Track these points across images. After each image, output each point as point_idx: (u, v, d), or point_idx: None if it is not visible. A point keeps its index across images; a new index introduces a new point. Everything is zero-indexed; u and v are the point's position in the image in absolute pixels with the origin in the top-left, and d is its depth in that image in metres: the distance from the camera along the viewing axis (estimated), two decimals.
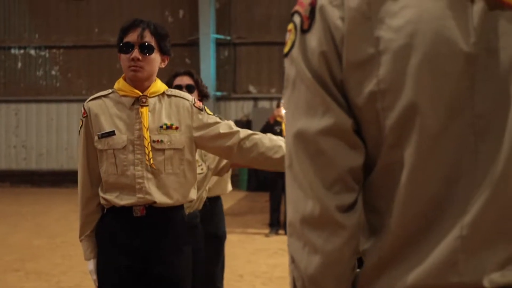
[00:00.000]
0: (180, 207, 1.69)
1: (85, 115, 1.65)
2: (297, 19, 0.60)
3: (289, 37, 0.61)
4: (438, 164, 0.55)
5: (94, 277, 1.68)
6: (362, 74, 0.56)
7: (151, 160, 1.59)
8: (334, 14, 0.56)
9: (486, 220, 0.54)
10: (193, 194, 1.71)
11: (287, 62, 0.61)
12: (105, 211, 1.67)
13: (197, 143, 1.69)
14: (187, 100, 1.70)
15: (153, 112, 1.65)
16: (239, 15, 10.66)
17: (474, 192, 0.54)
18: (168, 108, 1.66)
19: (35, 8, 10.85)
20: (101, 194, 1.64)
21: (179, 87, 2.14)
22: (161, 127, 1.63)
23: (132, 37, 1.61)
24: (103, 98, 1.67)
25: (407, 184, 0.55)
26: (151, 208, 1.62)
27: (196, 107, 1.68)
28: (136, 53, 1.58)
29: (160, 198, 1.61)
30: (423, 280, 0.55)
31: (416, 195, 0.56)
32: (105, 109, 1.65)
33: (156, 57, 1.64)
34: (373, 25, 0.55)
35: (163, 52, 1.67)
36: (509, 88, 0.53)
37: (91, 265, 1.68)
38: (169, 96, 1.69)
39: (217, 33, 10.32)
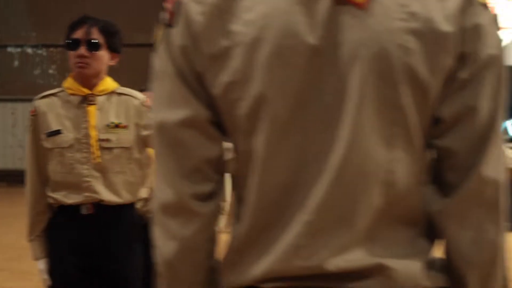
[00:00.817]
0: (130, 205, 1.69)
1: (34, 113, 1.65)
2: (165, 15, 0.62)
3: (158, 33, 0.64)
4: (288, 152, 0.58)
5: (45, 276, 1.69)
6: (217, 66, 0.58)
7: (97, 158, 1.59)
8: (195, 10, 0.58)
9: (329, 205, 0.56)
10: (143, 193, 1.71)
11: (155, 57, 0.64)
12: (54, 210, 1.67)
13: (146, 142, 1.68)
14: (137, 98, 1.70)
15: (101, 110, 1.64)
16: None
17: (319, 179, 0.56)
18: (117, 106, 1.66)
19: (33, 6, 10.89)
20: (49, 193, 1.64)
21: None
22: (108, 125, 1.62)
23: (79, 33, 1.62)
24: (52, 97, 1.68)
25: (259, 172, 0.58)
26: (100, 206, 1.62)
27: (145, 106, 1.68)
28: (82, 49, 1.58)
29: (108, 196, 1.62)
30: (272, 266, 0.57)
31: (268, 182, 0.58)
32: (53, 107, 1.65)
33: (104, 54, 1.63)
34: (228, 19, 0.57)
35: (112, 50, 1.66)
36: (347, 80, 0.56)
37: (41, 264, 1.69)
38: (119, 94, 1.68)
39: None
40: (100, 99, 1.65)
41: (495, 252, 0.63)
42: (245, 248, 0.60)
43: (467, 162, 0.60)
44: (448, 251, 0.63)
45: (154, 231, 0.64)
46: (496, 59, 0.60)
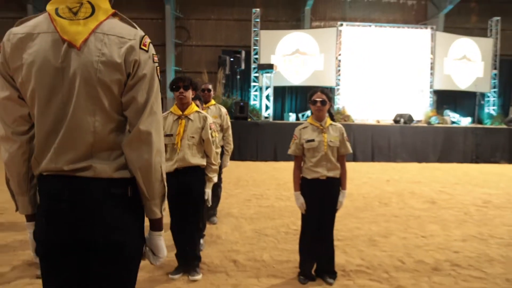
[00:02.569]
0: None
1: None
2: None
3: None
4: (48, 116, 1.34)
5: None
6: (16, 73, 1.35)
7: None
8: (7, 46, 1.34)
9: (65, 140, 1.34)
10: None
11: None
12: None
13: None
14: None
15: None
16: None
17: (62, 129, 1.33)
18: None
19: None
20: None
21: None
22: None
23: None
24: None
25: (36, 124, 1.36)
26: None
27: None
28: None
29: None
30: (45, 165, 1.35)
31: (41, 129, 1.35)
32: None
33: None
34: (22, 51, 1.33)
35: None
36: (73, 85, 1.32)
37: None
38: None
39: None
40: None
41: (149, 165, 1.38)
42: (37, 154, 1.37)
43: (134, 122, 1.36)
44: (128, 162, 1.38)
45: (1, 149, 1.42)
46: (145, 75, 1.37)
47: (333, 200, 3.38)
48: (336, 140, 3.37)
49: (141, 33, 1.39)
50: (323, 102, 3.33)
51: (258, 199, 6.57)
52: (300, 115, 14.40)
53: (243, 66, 13.09)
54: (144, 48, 1.36)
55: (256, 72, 14.54)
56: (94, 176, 1.33)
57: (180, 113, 3.43)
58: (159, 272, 3.57)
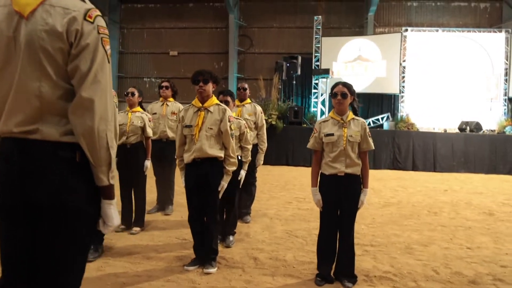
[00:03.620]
0: None
1: None
2: None
3: None
4: (5, 80, 1.43)
5: None
6: None
7: None
8: None
9: (14, 104, 1.41)
10: None
11: None
12: None
13: None
14: None
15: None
16: None
17: (11, 92, 1.42)
18: None
19: None
20: None
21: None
22: None
23: None
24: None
25: None
26: None
27: None
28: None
29: None
30: (0, 128, 1.43)
31: (1, 92, 1.44)
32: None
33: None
34: None
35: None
36: (21, 51, 1.40)
37: None
38: None
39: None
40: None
41: (91, 131, 1.40)
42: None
43: (78, 90, 1.40)
44: (73, 129, 1.41)
45: None
46: (88, 44, 1.41)
47: (353, 199, 3.18)
48: (357, 135, 3.18)
49: (89, 6, 1.45)
50: (344, 95, 3.18)
51: (299, 202, 6.42)
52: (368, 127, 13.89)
53: (299, 72, 12.99)
54: (89, 19, 1.41)
55: (316, 80, 14.40)
56: (41, 139, 1.38)
57: (200, 105, 3.46)
58: (177, 263, 3.61)
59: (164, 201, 5.55)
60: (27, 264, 1.43)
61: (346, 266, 3.27)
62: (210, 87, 3.44)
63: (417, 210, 6.04)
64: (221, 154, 3.46)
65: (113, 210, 1.50)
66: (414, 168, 10.72)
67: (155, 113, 5.40)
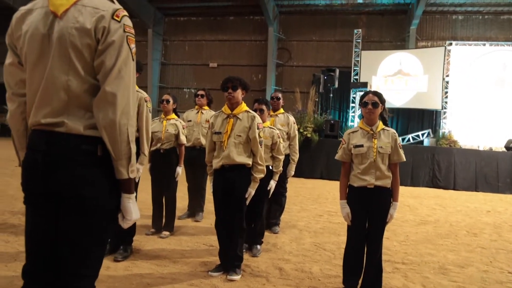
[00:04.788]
0: None
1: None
2: None
3: None
4: (36, 75, 1.54)
5: None
6: (18, 42, 1.59)
7: None
8: (14, 19, 1.61)
9: (43, 97, 1.51)
10: None
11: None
12: None
13: None
14: None
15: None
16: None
17: (41, 86, 1.52)
18: None
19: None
20: None
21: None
22: None
23: None
24: None
25: (28, 82, 1.57)
26: None
27: None
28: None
29: None
30: (31, 119, 1.54)
31: (31, 87, 1.55)
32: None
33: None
34: (22, 23, 1.58)
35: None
36: (53, 47, 1.51)
37: None
38: None
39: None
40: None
41: (113, 124, 1.46)
42: (28, 112, 1.56)
43: (102, 84, 1.48)
44: (96, 122, 1.48)
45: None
46: (114, 41, 1.49)
47: (382, 212, 3.08)
48: (388, 146, 3.10)
49: (117, 6, 1.54)
50: (374, 105, 3.10)
51: (330, 216, 6.30)
52: (400, 138, 13.52)
53: (336, 85, 12.85)
54: (116, 18, 1.51)
55: (354, 94, 14.20)
56: (66, 132, 1.46)
57: (229, 112, 3.50)
58: (202, 268, 3.62)
59: (195, 208, 5.61)
60: (49, 252, 1.49)
61: (373, 281, 3.16)
62: (239, 94, 3.46)
63: (455, 230, 5.76)
64: (249, 161, 3.47)
65: (131, 204, 1.54)
66: (455, 187, 10.26)
67: (190, 121, 5.50)
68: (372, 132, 3.13)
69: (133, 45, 1.54)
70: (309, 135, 10.88)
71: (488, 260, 4.38)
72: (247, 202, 3.50)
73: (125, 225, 1.56)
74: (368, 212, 3.09)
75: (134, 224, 3.91)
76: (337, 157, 3.27)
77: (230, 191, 3.44)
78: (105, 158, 1.48)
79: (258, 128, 3.46)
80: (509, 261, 4.37)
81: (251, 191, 3.49)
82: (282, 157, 4.37)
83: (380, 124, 3.17)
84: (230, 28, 18.11)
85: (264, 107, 4.19)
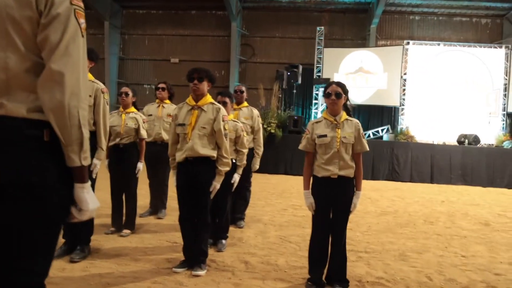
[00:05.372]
0: None
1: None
2: None
3: None
4: None
5: None
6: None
7: None
8: None
9: None
10: None
11: None
12: None
13: None
14: None
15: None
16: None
17: None
18: None
19: None
20: None
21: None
22: None
23: None
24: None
25: None
26: None
27: None
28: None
29: None
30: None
31: None
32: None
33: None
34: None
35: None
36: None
37: None
38: None
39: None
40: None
41: (61, 106, 1.29)
42: None
43: (47, 62, 1.30)
44: (41, 104, 1.30)
45: None
46: (59, 14, 1.30)
47: (346, 202, 3.12)
48: (351, 136, 3.13)
49: None
50: (338, 95, 3.13)
51: (295, 209, 6.34)
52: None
53: (299, 81, 12.99)
54: None
55: (317, 90, 14.39)
56: (5, 114, 1.29)
57: (194, 103, 3.42)
58: (165, 265, 3.53)
59: (157, 205, 5.47)
60: None
61: (338, 270, 3.19)
62: (205, 85, 3.39)
63: (413, 219, 5.96)
64: (213, 154, 3.41)
65: (86, 194, 1.40)
66: (412, 179, 10.64)
67: (150, 115, 5.36)
68: (335, 122, 3.15)
69: (82, 20, 1.37)
70: (273, 131, 10.92)
71: (443, 246, 4.55)
72: (212, 196, 3.44)
73: (83, 216, 1.43)
74: (332, 202, 3.12)
75: (92, 223, 3.74)
76: (300, 147, 3.28)
77: (194, 184, 3.37)
78: (53, 144, 1.34)
79: (223, 121, 3.40)
80: (462, 246, 4.57)
81: (216, 184, 3.43)
82: (245, 151, 4.34)
83: (343, 115, 3.20)
84: (192, 22, 17.82)
85: (227, 99, 4.13)
